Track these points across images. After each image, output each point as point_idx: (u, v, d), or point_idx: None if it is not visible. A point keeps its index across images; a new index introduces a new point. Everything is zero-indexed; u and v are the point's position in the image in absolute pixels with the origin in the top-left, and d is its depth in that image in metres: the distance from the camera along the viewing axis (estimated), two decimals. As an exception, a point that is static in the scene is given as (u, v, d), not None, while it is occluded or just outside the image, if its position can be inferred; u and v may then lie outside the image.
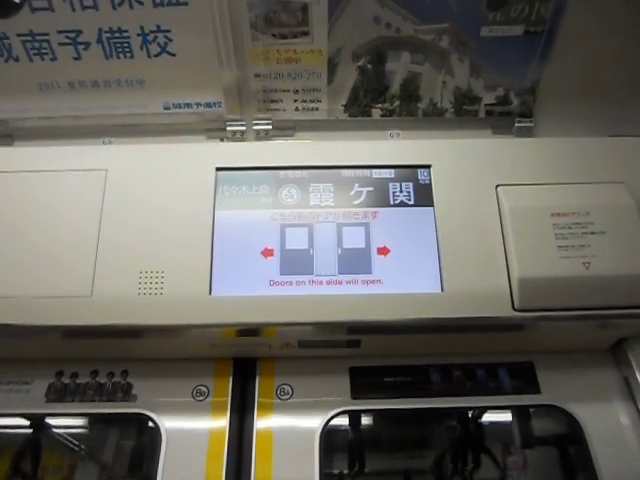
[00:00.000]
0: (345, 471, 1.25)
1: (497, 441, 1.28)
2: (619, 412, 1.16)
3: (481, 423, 1.28)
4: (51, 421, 1.27)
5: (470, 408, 1.24)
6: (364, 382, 1.19)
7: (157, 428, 1.12)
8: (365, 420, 1.28)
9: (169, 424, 1.13)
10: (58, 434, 1.33)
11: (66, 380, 1.19)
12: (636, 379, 1.14)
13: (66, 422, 1.30)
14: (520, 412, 1.23)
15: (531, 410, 1.22)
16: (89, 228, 1.11)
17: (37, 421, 1.25)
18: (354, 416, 1.21)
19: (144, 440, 1.21)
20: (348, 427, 1.22)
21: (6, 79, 1.25)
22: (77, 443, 1.34)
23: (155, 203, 1.13)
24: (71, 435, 1.34)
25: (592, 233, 1.08)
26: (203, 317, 1.06)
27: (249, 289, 1.08)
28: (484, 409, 1.24)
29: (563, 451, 1.21)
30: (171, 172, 1.16)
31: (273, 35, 1.18)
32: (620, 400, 1.17)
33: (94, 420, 1.27)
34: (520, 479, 1.29)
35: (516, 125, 1.32)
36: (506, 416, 1.26)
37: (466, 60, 1.24)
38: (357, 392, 1.18)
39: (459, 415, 1.27)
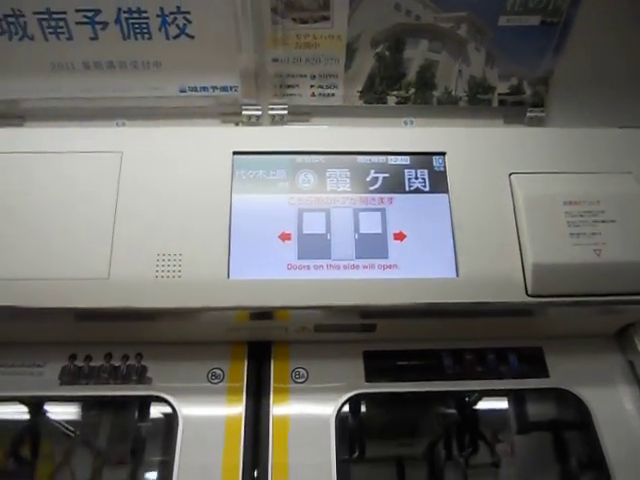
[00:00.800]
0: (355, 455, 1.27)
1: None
2: (624, 395, 1.19)
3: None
4: (61, 405, 1.26)
5: (481, 391, 1.26)
6: (378, 366, 1.20)
7: (174, 411, 1.12)
8: (379, 403, 1.30)
9: (186, 406, 1.13)
10: (63, 420, 1.32)
11: (80, 363, 1.18)
12: (642, 363, 1.18)
13: (77, 406, 1.30)
14: (530, 396, 1.26)
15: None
16: (105, 211, 1.10)
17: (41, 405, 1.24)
18: (368, 399, 1.23)
19: (160, 423, 1.21)
20: (362, 410, 1.24)
21: (18, 58, 1.22)
22: (73, 429, 1.33)
23: (172, 186, 1.12)
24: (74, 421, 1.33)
25: (603, 221, 1.11)
26: (221, 300, 1.06)
27: (267, 273, 1.08)
28: (495, 392, 1.26)
29: (569, 433, 1.25)
30: (188, 155, 1.15)
31: (293, 19, 1.17)
32: (625, 384, 1.20)
33: (106, 404, 1.27)
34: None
35: (528, 115, 1.33)
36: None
37: (482, 49, 1.25)
38: (371, 375, 1.19)
39: (468, 398, 1.30)
